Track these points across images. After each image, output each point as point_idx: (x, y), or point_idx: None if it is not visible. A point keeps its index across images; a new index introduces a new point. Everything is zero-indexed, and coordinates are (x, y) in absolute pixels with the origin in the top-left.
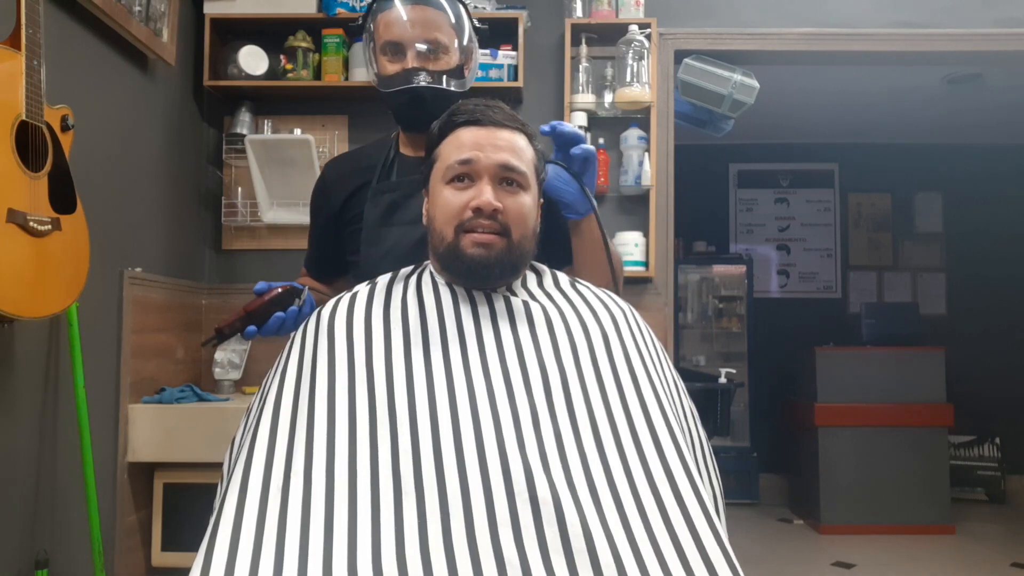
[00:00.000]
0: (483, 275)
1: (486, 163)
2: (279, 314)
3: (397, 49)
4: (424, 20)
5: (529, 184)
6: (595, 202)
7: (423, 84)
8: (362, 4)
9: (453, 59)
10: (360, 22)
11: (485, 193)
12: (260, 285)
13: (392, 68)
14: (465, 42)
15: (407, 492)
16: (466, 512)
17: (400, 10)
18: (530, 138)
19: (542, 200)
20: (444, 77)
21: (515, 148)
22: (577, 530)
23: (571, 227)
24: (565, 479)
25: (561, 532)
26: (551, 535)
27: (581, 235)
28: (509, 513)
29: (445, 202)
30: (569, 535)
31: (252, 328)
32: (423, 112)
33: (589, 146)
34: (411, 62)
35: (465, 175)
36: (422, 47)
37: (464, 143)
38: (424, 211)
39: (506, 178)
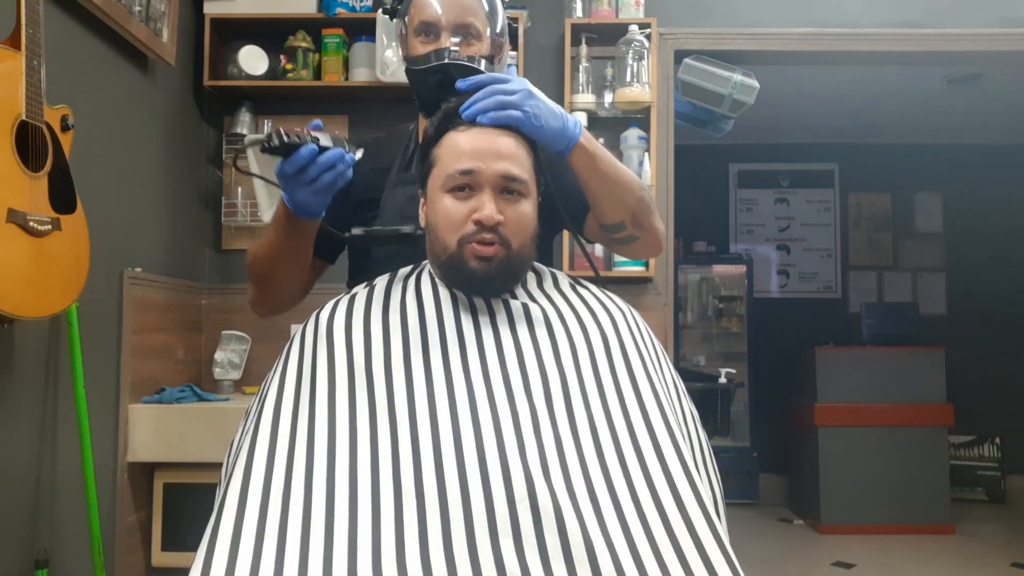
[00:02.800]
0: (485, 288)
1: (488, 174)
2: (340, 149)
3: (431, 30)
4: (460, 4)
5: (529, 191)
6: (572, 122)
7: (455, 59)
8: (363, 4)
9: (485, 47)
10: (395, 3)
11: (487, 207)
12: (317, 122)
13: (424, 49)
14: (498, 31)
15: (407, 497)
16: (467, 518)
17: None
18: (527, 138)
19: (540, 200)
20: (477, 58)
21: (515, 155)
22: (578, 538)
23: (572, 167)
24: (565, 485)
25: (562, 540)
26: (552, 543)
27: (578, 168)
28: (510, 520)
29: (447, 211)
30: (570, 543)
31: (312, 148)
32: (451, 95)
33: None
34: (444, 43)
35: (466, 185)
36: (455, 35)
37: (463, 151)
38: (421, 214)
39: (507, 188)
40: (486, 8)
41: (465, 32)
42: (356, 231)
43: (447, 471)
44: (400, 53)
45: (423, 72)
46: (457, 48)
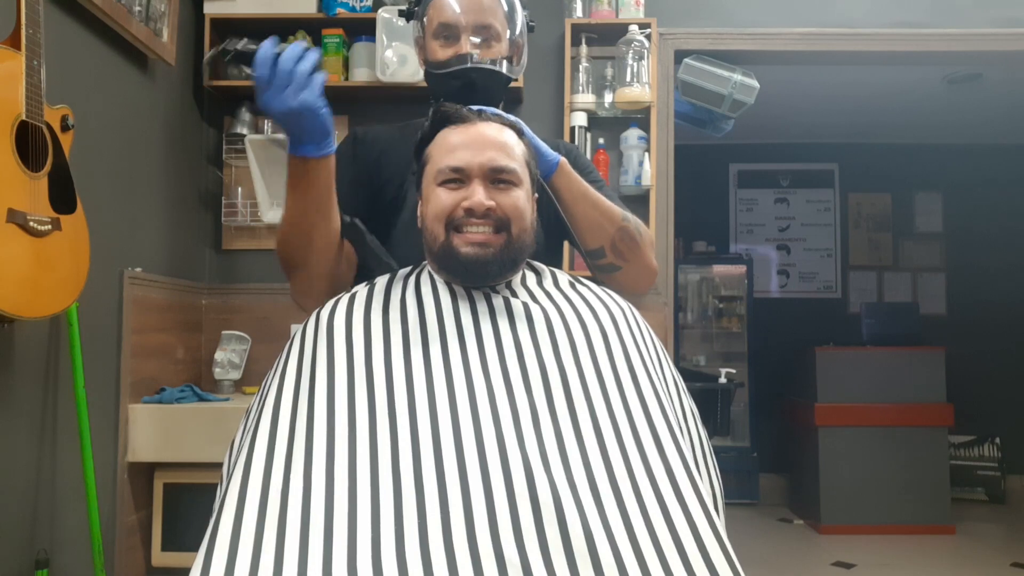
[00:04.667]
0: (480, 274)
1: (476, 165)
2: (300, 42)
3: (451, 33)
4: (480, 5)
5: (521, 180)
6: (554, 154)
7: (476, 63)
8: (363, 4)
9: (504, 48)
10: (411, 5)
11: (477, 194)
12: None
13: (444, 53)
14: (517, 32)
15: (407, 492)
16: (466, 512)
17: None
18: (520, 133)
19: (536, 195)
20: (499, 61)
21: (505, 145)
22: (578, 530)
23: (552, 191)
24: (566, 478)
25: (562, 532)
26: (552, 535)
27: (560, 191)
28: (510, 513)
29: (437, 201)
30: (570, 535)
31: (273, 39)
32: (472, 99)
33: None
34: (465, 46)
35: (457, 177)
36: (475, 37)
37: (454, 145)
38: (419, 214)
39: (497, 178)
40: (505, 9)
41: (485, 34)
42: (357, 222)
43: (447, 465)
44: (418, 57)
45: (444, 76)
46: (477, 51)
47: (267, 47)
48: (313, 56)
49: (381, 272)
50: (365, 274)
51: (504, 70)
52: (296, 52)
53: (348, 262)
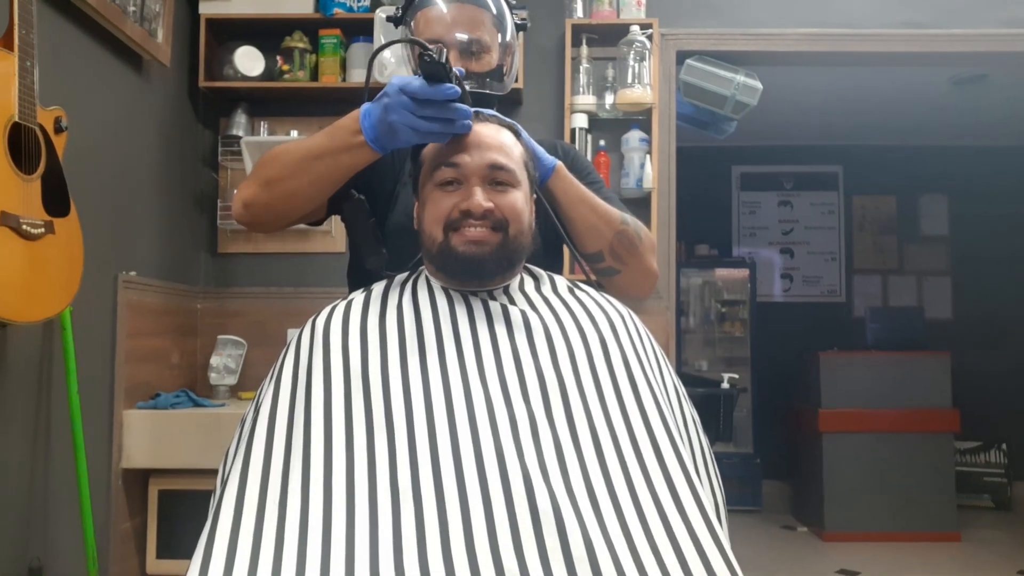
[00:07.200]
0: (477, 272)
1: (474, 166)
2: (468, 111)
3: None
4: (469, 19)
5: (519, 181)
6: (550, 158)
7: (466, 84)
8: (360, 4)
9: (494, 58)
10: (398, 14)
11: (475, 195)
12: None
13: None
14: (507, 36)
15: (405, 502)
16: (464, 522)
17: (444, 7)
18: (516, 135)
19: (535, 196)
20: (487, 80)
21: (503, 146)
22: (577, 538)
23: (548, 195)
24: (564, 488)
25: (561, 541)
26: (551, 544)
27: (557, 195)
28: (508, 522)
29: (435, 204)
30: (569, 544)
31: (455, 92)
32: None
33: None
34: (454, 63)
35: (454, 179)
36: (465, 47)
37: (452, 146)
38: (415, 216)
39: (495, 178)
40: (493, 13)
41: (474, 48)
42: (363, 199)
43: (444, 476)
44: (408, 64)
45: None
46: (466, 74)
47: (443, 92)
48: (454, 128)
49: (369, 253)
50: (355, 254)
51: (493, 89)
52: (455, 115)
53: (303, 219)
